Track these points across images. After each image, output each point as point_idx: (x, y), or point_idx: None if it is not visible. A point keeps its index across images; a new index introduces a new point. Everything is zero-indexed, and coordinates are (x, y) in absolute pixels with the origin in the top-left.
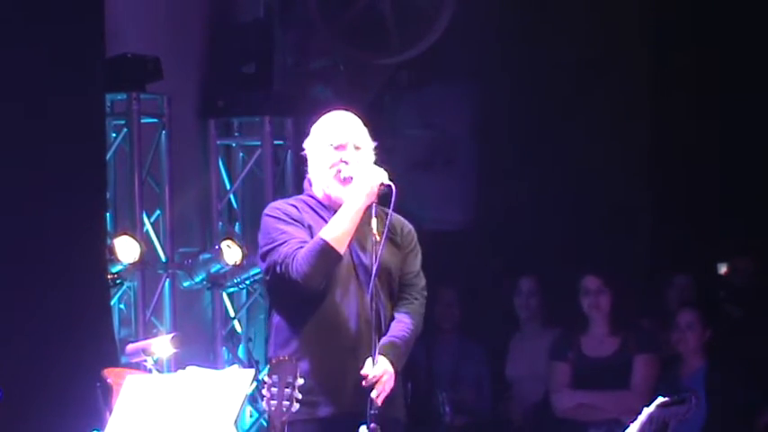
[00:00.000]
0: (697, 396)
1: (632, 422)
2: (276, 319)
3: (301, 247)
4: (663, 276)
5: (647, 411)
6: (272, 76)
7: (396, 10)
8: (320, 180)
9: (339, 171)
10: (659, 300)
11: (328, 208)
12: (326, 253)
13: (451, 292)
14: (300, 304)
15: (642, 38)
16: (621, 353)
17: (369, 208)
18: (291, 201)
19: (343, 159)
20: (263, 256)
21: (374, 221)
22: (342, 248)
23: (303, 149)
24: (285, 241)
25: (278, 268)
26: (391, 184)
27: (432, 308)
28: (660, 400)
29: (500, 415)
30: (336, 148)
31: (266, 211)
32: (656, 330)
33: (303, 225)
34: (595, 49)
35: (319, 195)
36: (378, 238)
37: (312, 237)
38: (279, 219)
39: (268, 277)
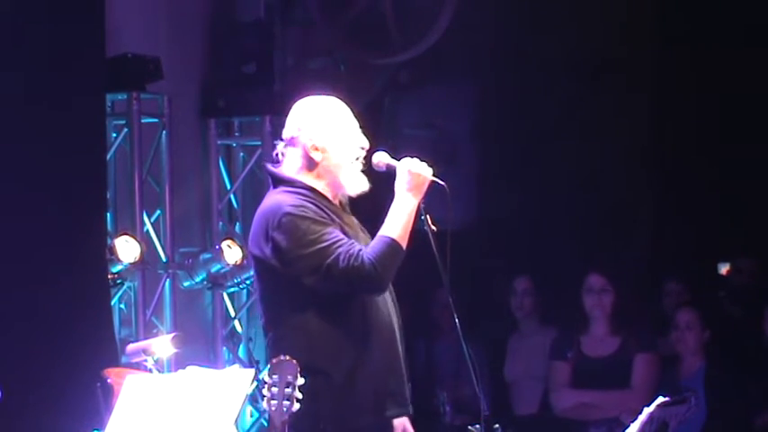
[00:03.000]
0: (697, 396)
1: (632, 422)
2: (313, 325)
3: (359, 248)
4: (657, 283)
5: (647, 411)
6: (272, 76)
7: (396, 10)
8: (336, 169)
9: (367, 157)
10: (658, 301)
11: (331, 202)
12: (397, 251)
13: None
14: (348, 307)
15: (642, 38)
16: (622, 352)
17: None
18: (300, 199)
19: (362, 146)
20: (299, 258)
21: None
22: (405, 245)
23: (293, 138)
24: (335, 241)
25: (337, 270)
26: (439, 181)
27: (431, 308)
28: (660, 399)
29: (499, 414)
30: (353, 132)
31: (287, 210)
32: (655, 331)
33: (335, 224)
34: (596, 49)
35: (319, 187)
36: (434, 228)
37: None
38: (311, 219)
39: (313, 279)
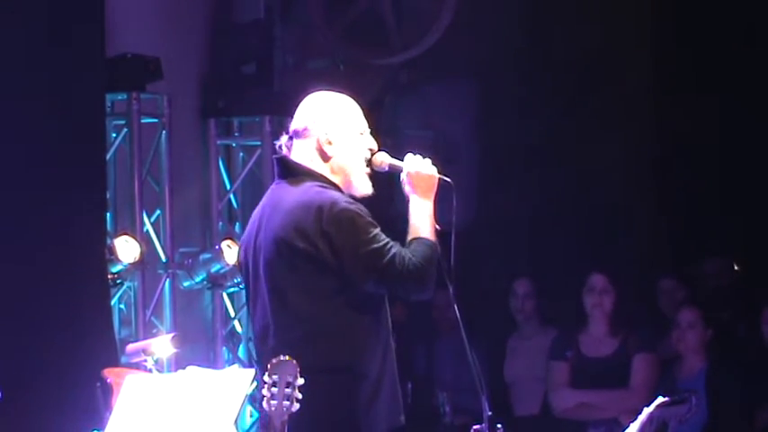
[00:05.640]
0: (697, 396)
1: (632, 422)
2: (355, 324)
3: (406, 251)
4: (656, 284)
5: (647, 411)
6: (272, 76)
7: (396, 10)
8: (348, 168)
9: (371, 159)
10: (656, 302)
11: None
12: (436, 253)
13: (450, 293)
14: (381, 309)
15: (643, 38)
16: (621, 352)
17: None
18: (341, 195)
19: (370, 148)
20: (357, 256)
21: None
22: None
23: (305, 129)
24: (388, 242)
25: (394, 271)
26: (445, 177)
27: (431, 308)
28: (660, 400)
29: (499, 415)
30: (362, 134)
31: (344, 206)
32: (654, 331)
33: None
34: (596, 49)
35: (337, 181)
36: (438, 227)
37: None
38: (366, 219)
39: (367, 278)
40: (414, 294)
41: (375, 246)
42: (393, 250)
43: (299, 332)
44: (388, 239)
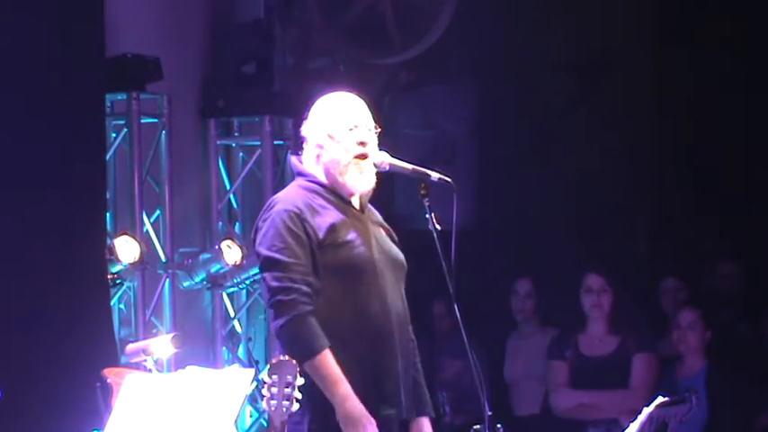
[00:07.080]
0: (697, 396)
1: (632, 422)
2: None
3: (308, 295)
4: (656, 283)
5: (646, 411)
6: (272, 76)
7: (396, 9)
8: (334, 168)
9: (360, 156)
10: (656, 301)
11: (336, 194)
12: (307, 357)
13: (451, 292)
14: (339, 307)
15: (643, 38)
16: (620, 352)
17: (361, 204)
18: (300, 196)
19: (360, 141)
20: (265, 262)
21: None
22: (308, 367)
23: (306, 133)
24: (294, 264)
25: (274, 291)
26: (446, 178)
27: (432, 307)
28: (660, 399)
29: (498, 415)
30: (351, 129)
31: (281, 209)
32: (654, 331)
33: (309, 238)
34: (596, 48)
35: (324, 180)
36: (439, 227)
37: (333, 230)
38: (294, 230)
39: (263, 280)
40: (271, 319)
41: (274, 256)
42: (291, 274)
43: None
44: (302, 265)
